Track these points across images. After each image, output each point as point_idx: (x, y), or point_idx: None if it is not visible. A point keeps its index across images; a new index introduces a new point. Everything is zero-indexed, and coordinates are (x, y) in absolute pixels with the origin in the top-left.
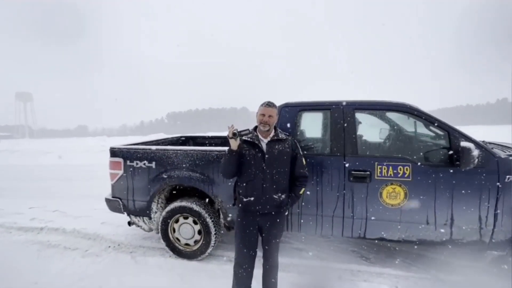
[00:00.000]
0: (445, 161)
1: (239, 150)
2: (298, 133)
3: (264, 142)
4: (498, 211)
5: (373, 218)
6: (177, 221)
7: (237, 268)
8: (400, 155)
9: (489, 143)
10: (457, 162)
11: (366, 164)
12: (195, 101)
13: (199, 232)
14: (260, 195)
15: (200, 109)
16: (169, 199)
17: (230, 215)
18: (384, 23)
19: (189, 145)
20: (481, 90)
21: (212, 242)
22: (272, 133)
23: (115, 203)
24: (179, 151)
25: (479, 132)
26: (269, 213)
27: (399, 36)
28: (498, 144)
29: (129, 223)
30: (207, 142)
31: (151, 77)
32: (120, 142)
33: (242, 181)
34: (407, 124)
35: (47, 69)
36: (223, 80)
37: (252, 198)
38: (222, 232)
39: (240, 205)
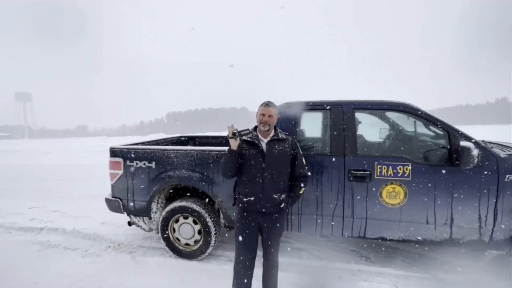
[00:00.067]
0: (444, 160)
1: (239, 150)
2: (298, 133)
3: (264, 142)
4: (498, 210)
5: (373, 217)
6: (177, 221)
7: (237, 268)
8: (400, 155)
9: (489, 142)
10: (457, 162)
11: (366, 164)
12: (195, 101)
13: (199, 232)
14: (260, 195)
15: (199, 109)
16: (169, 199)
17: (229, 214)
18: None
19: (189, 145)
20: (481, 89)
21: (212, 242)
22: (272, 133)
23: (115, 203)
24: (179, 151)
25: (479, 131)
26: (269, 213)
27: (399, 36)
28: (498, 144)
29: (129, 223)
30: (207, 141)
31: (150, 77)
32: (120, 142)
33: (242, 181)
34: (407, 123)
35: (46, 69)
36: (223, 80)
37: (252, 198)
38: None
39: (240, 205)
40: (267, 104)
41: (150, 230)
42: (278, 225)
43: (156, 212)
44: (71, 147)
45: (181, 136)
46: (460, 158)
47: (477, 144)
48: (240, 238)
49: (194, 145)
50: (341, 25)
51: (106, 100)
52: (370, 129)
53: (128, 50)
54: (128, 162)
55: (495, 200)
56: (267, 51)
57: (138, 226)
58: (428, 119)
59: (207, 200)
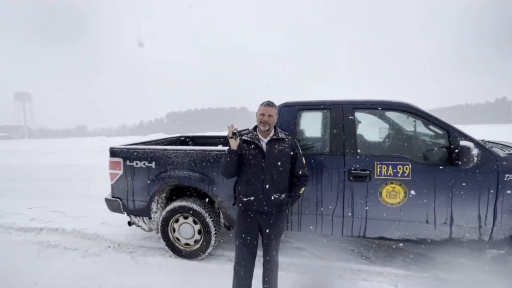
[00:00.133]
0: (444, 160)
1: (239, 150)
2: (297, 132)
3: (264, 142)
4: (498, 209)
5: (373, 217)
6: (177, 221)
7: (237, 268)
8: (399, 155)
9: (488, 142)
10: (457, 161)
11: (365, 164)
12: (195, 101)
13: (199, 232)
14: (260, 194)
15: (199, 109)
16: (169, 199)
17: (229, 214)
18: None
19: (189, 145)
20: (481, 89)
21: (212, 242)
22: (272, 133)
23: (115, 203)
24: (179, 151)
25: (479, 131)
26: (269, 213)
27: (399, 36)
28: (498, 143)
29: (129, 223)
30: (207, 141)
31: (150, 77)
32: (120, 142)
33: (242, 180)
34: (407, 123)
35: (46, 69)
36: (223, 80)
37: (252, 198)
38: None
39: (240, 204)
40: (267, 104)
41: (150, 230)
42: (278, 224)
43: (156, 212)
44: (70, 147)
45: (181, 136)
46: (460, 157)
47: (476, 143)
48: (240, 238)
49: (194, 145)
50: (341, 25)
51: (106, 100)
52: (370, 129)
53: (128, 50)
54: (128, 162)
55: (494, 199)
56: (267, 51)
57: (138, 226)
58: (427, 119)
59: (207, 200)
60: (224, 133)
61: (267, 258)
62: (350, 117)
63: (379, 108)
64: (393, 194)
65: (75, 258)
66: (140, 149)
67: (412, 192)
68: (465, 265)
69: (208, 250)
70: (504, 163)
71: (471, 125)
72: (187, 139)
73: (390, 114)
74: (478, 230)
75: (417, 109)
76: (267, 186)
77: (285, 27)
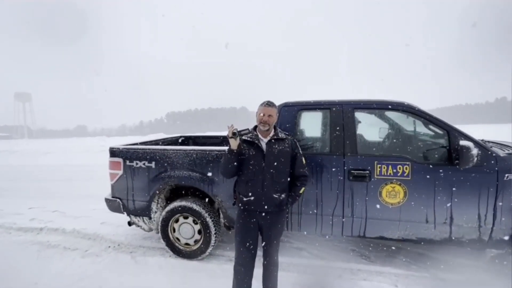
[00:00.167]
0: (444, 160)
1: (239, 150)
2: (297, 132)
3: (264, 142)
4: (497, 209)
5: (372, 217)
6: (177, 220)
7: (237, 268)
8: (399, 154)
9: (488, 142)
10: (456, 161)
11: (365, 163)
12: (195, 101)
13: (199, 232)
14: (260, 194)
15: (199, 109)
16: (169, 199)
17: (229, 214)
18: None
19: (189, 145)
20: (480, 89)
21: (212, 242)
22: (272, 133)
23: (115, 203)
24: (178, 151)
25: (479, 131)
26: (269, 213)
27: (399, 36)
28: (497, 143)
29: (129, 223)
30: (206, 141)
31: (150, 77)
32: (120, 142)
33: (242, 180)
34: (407, 123)
35: (46, 69)
36: (223, 80)
37: (252, 198)
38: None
39: (240, 204)
40: (267, 104)
41: (150, 230)
42: (278, 224)
43: (156, 212)
44: (70, 147)
45: (181, 136)
46: (460, 157)
47: (476, 143)
48: (240, 237)
49: (194, 145)
50: (341, 25)
51: (106, 100)
52: (370, 129)
53: (128, 50)
54: (128, 162)
55: (494, 199)
56: (267, 51)
57: (138, 226)
58: (427, 119)
59: (207, 200)
60: (224, 133)
61: (267, 258)
62: (350, 117)
63: (379, 108)
64: (393, 194)
65: (75, 258)
66: (140, 149)
67: (412, 192)
68: (465, 265)
69: (208, 250)
70: (503, 162)
71: (471, 125)
72: (187, 139)
73: (390, 114)
74: (478, 229)
75: (416, 109)
76: (267, 186)
77: (285, 27)
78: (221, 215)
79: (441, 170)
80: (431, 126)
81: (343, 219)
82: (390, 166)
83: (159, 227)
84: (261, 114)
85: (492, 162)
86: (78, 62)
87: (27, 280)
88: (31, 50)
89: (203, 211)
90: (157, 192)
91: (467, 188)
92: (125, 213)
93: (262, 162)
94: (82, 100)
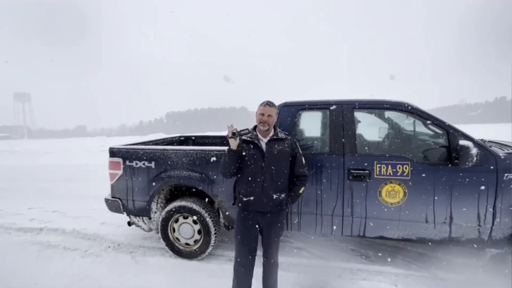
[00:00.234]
0: (444, 159)
1: (239, 150)
2: (297, 132)
3: (263, 142)
4: (497, 209)
5: (372, 217)
6: (177, 220)
7: (238, 268)
8: (399, 154)
9: (488, 141)
10: (456, 161)
11: (365, 163)
12: (194, 101)
13: (199, 232)
14: (260, 194)
15: (199, 108)
16: (169, 199)
17: (229, 214)
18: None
19: (188, 145)
20: (480, 88)
21: (212, 242)
22: (272, 133)
23: (114, 203)
24: (178, 151)
25: (478, 130)
26: (269, 212)
27: (399, 35)
28: (497, 143)
29: (129, 223)
30: (206, 141)
31: (150, 77)
32: (119, 142)
33: (242, 180)
34: (406, 123)
35: (45, 69)
36: (222, 80)
37: (252, 198)
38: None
39: (240, 204)
40: (267, 104)
41: (150, 230)
42: (278, 224)
43: (156, 212)
44: (70, 147)
45: (181, 136)
46: (459, 157)
47: (476, 143)
48: (240, 237)
49: (194, 145)
50: (341, 25)
51: (106, 100)
52: (370, 129)
53: (128, 50)
54: (127, 162)
55: (494, 198)
56: (267, 51)
57: (138, 226)
58: (427, 118)
59: (206, 200)
60: (224, 133)
61: (267, 257)
62: (350, 117)
63: (379, 108)
64: (392, 194)
65: (75, 258)
66: (139, 149)
67: (412, 191)
68: (464, 264)
69: (208, 250)
70: (503, 162)
71: (471, 125)
72: (187, 139)
73: (389, 114)
74: (477, 229)
75: (416, 109)
76: (267, 185)
77: (285, 27)
78: (221, 215)
79: (440, 170)
80: (430, 126)
81: (343, 219)
82: (389, 166)
83: (159, 227)
84: (261, 114)
85: (492, 161)
86: (78, 62)
87: (27, 280)
88: (30, 50)
89: (203, 211)
90: (157, 192)
91: (466, 187)
92: (125, 213)
93: (262, 162)
94: (82, 100)
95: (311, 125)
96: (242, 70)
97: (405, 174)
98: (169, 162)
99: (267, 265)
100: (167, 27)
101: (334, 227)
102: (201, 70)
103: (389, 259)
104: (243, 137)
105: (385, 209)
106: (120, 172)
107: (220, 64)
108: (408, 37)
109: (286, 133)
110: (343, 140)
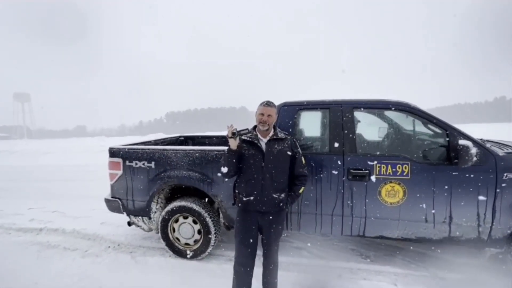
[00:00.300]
0: (443, 159)
1: (239, 150)
2: (297, 132)
3: (263, 142)
4: (496, 208)
5: (372, 216)
6: (176, 220)
7: (237, 267)
8: (398, 154)
9: (487, 141)
10: (456, 160)
11: (365, 163)
12: (194, 101)
13: (199, 232)
14: (259, 194)
15: (199, 108)
16: (169, 199)
17: (229, 214)
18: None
19: (188, 145)
20: (480, 88)
21: (212, 242)
22: (272, 133)
23: (114, 203)
24: (178, 151)
25: (478, 130)
26: (269, 212)
27: (399, 35)
28: (496, 142)
29: (129, 223)
30: (206, 141)
31: (150, 77)
32: (119, 142)
33: (241, 180)
34: (406, 122)
35: (45, 69)
36: (222, 80)
37: (251, 198)
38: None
39: (240, 204)
40: (267, 104)
41: (150, 230)
42: (278, 224)
43: (155, 212)
44: (70, 148)
45: (180, 136)
46: (459, 156)
47: (475, 142)
48: (240, 237)
49: (193, 145)
50: (341, 25)
51: (106, 100)
52: (369, 128)
53: (127, 50)
54: (127, 162)
55: (493, 198)
56: (267, 51)
57: (138, 226)
58: (426, 118)
59: (206, 200)
60: (224, 133)
61: (267, 257)
62: (349, 117)
63: (378, 108)
64: (392, 193)
65: (75, 258)
66: (139, 149)
67: (411, 191)
68: (464, 264)
69: (208, 250)
70: (503, 162)
71: (470, 124)
72: (187, 139)
73: (389, 114)
74: (477, 228)
75: (416, 109)
76: (267, 185)
77: (285, 26)
78: (221, 215)
79: (440, 170)
80: (430, 126)
81: (343, 219)
82: (389, 166)
83: (159, 227)
84: (261, 114)
85: (491, 161)
86: (78, 62)
87: (27, 280)
88: (30, 50)
89: (202, 211)
90: (157, 192)
91: (466, 187)
92: (124, 213)
93: (261, 162)
94: (82, 100)
95: (310, 125)
96: (242, 70)
97: (404, 174)
98: (168, 162)
99: (267, 265)
100: (167, 27)
101: (334, 227)
102: (201, 70)
103: (388, 259)
104: (243, 137)
105: (385, 209)
106: (120, 172)
107: (220, 64)
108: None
109: (286, 133)
110: (342, 140)
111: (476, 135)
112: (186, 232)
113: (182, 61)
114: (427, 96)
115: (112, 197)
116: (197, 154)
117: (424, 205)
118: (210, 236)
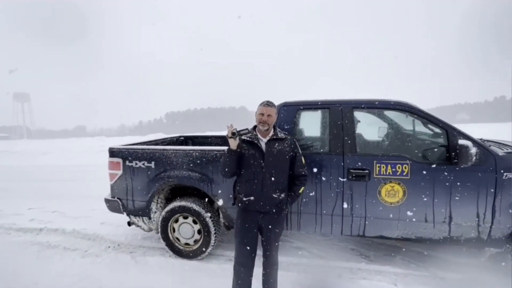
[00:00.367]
0: (443, 159)
1: (239, 150)
2: (297, 132)
3: (263, 142)
4: (496, 208)
5: (372, 216)
6: (176, 220)
7: (237, 267)
8: (398, 154)
9: (487, 141)
10: (455, 160)
11: (365, 163)
12: (194, 100)
13: (199, 232)
14: (259, 194)
15: (198, 108)
16: (169, 199)
17: (229, 214)
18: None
19: (188, 145)
20: (480, 88)
21: (212, 242)
22: (271, 133)
23: (114, 203)
24: (178, 151)
25: (478, 130)
26: (268, 212)
27: (399, 35)
28: (496, 142)
29: (129, 223)
30: (206, 141)
31: (150, 77)
32: (119, 142)
33: (241, 180)
34: (406, 122)
35: (45, 69)
36: (222, 80)
37: (251, 198)
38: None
39: (240, 204)
40: (266, 104)
41: (150, 230)
42: (277, 224)
43: (155, 212)
44: (70, 148)
45: (180, 136)
46: (459, 156)
47: (475, 142)
48: (240, 237)
49: (193, 145)
50: (341, 25)
51: (105, 100)
52: (369, 128)
53: (127, 50)
54: (127, 162)
55: (493, 198)
56: (267, 51)
57: (138, 226)
58: (426, 118)
59: (206, 199)
60: (224, 133)
61: (267, 257)
62: (349, 117)
63: (378, 107)
64: (392, 193)
65: (75, 258)
66: (139, 149)
67: (411, 191)
68: (464, 264)
69: (208, 250)
70: (502, 161)
71: (470, 124)
72: (186, 139)
73: (389, 114)
74: (476, 228)
75: (415, 108)
76: (267, 185)
77: (285, 26)
78: (221, 215)
79: (440, 169)
80: (430, 126)
81: (343, 219)
82: (389, 166)
83: (159, 227)
84: (261, 114)
85: (491, 161)
86: (78, 62)
87: (27, 280)
88: (30, 50)
89: (202, 211)
90: (157, 192)
91: (466, 187)
92: (124, 213)
93: (261, 162)
94: (81, 100)
95: (310, 125)
96: (242, 70)
97: (404, 174)
98: (168, 162)
99: (267, 265)
100: (167, 27)
101: (334, 227)
102: (201, 70)
103: (388, 259)
104: (242, 137)
105: (385, 209)
106: (120, 172)
107: (220, 64)
108: (408, 37)
109: (286, 133)
110: (342, 139)
111: (475, 135)
112: (186, 232)
113: (182, 61)
114: (427, 95)
115: (112, 197)
116: (197, 154)
117: (424, 205)
118: (210, 236)
